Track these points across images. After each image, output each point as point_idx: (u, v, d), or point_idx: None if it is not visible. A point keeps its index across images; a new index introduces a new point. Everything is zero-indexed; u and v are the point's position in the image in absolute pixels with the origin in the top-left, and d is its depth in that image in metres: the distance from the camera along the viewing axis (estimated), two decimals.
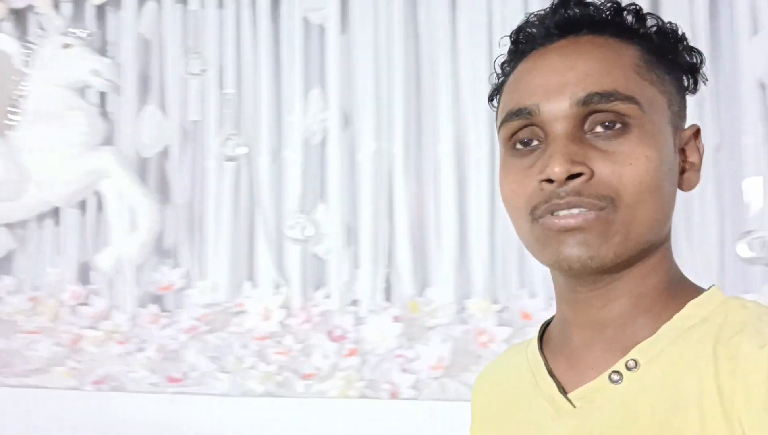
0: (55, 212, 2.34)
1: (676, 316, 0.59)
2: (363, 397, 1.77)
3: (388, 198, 2.04)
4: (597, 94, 0.58)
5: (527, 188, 0.60)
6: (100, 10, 2.34)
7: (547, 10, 0.64)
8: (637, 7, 0.63)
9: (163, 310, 2.17)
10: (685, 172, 0.63)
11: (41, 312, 2.23)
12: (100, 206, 2.28)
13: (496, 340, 1.79)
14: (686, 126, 0.64)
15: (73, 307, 2.22)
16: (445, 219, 1.97)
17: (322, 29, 2.16)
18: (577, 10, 0.62)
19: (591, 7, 0.63)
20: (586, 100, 0.58)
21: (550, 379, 0.65)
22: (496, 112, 0.68)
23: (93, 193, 2.27)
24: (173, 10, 2.28)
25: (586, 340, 0.63)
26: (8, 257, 2.37)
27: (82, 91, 2.30)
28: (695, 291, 0.62)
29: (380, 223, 2.03)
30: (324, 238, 2.07)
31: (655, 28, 0.63)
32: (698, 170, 0.64)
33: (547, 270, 0.66)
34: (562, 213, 0.58)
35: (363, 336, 1.88)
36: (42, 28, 2.34)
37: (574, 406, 0.62)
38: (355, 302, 2.00)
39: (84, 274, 2.29)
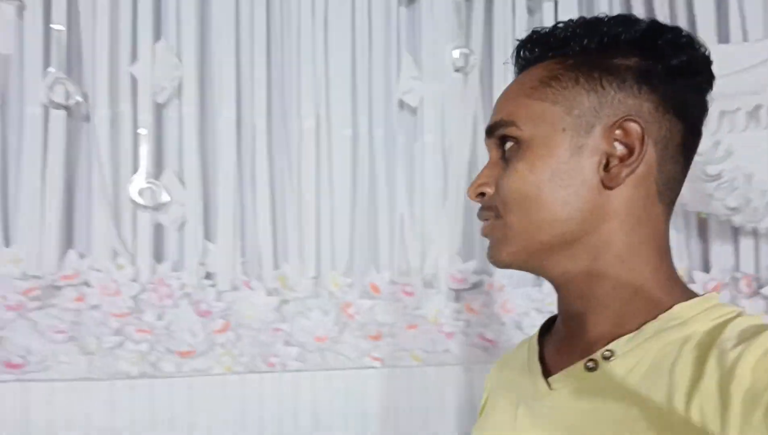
0: None
1: (662, 315, 0.64)
2: (251, 371, 1.75)
3: (250, 169, 1.99)
4: (490, 126, 0.72)
5: None
6: None
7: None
8: (560, 26, 0.70)
9: None
10: (609, 167, 0.66)
11: None
12: None
13: (361, 312, 1.93)
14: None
15: None
16: (306, 194, 2.00)
17: None
18: (524, 47, 0.74)
19: (529, 43, 0.73)
20: (487, 133, 0.73)
21: (538, 362, 0.74)
22: None
23: None
24: None
25: (571, 330, 0.71)
26: None
27: None
28: (689, 296, 0.66)
29: (237, 195, 1.97)
30: (172, 207, 1.93)
31: (579, 39, 0.68)
32: (630, 163, 0.65)
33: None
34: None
35: (235, 310, 1.83)
36: None
37: (552, 389, 0.69)
38: (209, 276, 1.93)
39: None
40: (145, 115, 1.90)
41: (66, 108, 1.84)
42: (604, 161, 0.66)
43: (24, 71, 1.84)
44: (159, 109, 1.94)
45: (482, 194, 0.72)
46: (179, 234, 1.94)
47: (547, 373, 0.72)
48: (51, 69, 1.83)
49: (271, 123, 1.99)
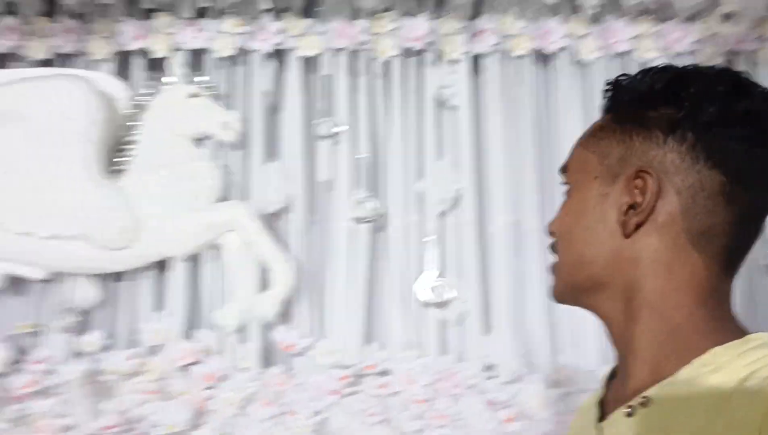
0: (159, 265, 2.22)
1: (696, 360, 0.62)
2: None
3: (520, 269, 2.17)
4: (560, 170, 0.79)
5: None
6: (221, 62, 2.31)
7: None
8: (613, 82, 0.74)
9: (288, 371, 2.12)
10: (626, 216, 0.68)
11: (146, 371, 2.11)
12: (214, 259, 2.21)
13: None
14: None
15: (184, 366, 2.11)
16: None
17: (454, 107, 2.29)
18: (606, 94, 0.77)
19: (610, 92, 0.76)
20: (561, 175, 0.79)
21: (595, 407, 0.74)
22: None
23: (210, 246, 2.19)
24: (301, 72, 2.30)
25: (621, 374, 0.72)
26: (95, 310, 2.21)
27: (199, 142, 2.24)
28: (728, 336, 0.64)
29: (511, 292, 2.15)
30: (454, 304, 2.15)
31: (625, 92, 0.72)
32: (639, 213, 0.67)
33: None
34: None
35: (520, 401, 1.97)
36: (156, 75, 2.28)
37: None
38: (490, 367, 2.09)
39: (190, 331, 2.19)
40: (431, 224, 2.19)
41: (368, 221, 2.18)
42: (623, 209, 0.68)
43: (336, 192, 2.24)
44: (442, 217, 2.22)
45: (552, 233, 0.77)
46: (460, 328, 2.15)
47: (603, 417, 0.72)
48: (357, 190, 2.20)
49: (542, 223, 2.18)
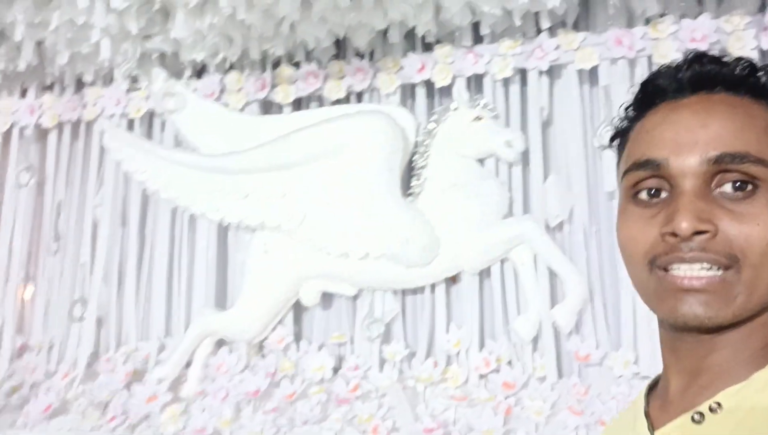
0: (450, 278, 2.39)
1: None
2: None
3: None
4: (729, 154, 0.60)
5: (648, 237, 0.62)
6: (498, 82, 2.43)
7: (681, 63, 0.66)
8: (746, 63, 0.64)
9: (583, 380, 2.16)
10: None
11: (449, 378, 2.26)
12: (502, 272, 2.32)
13: None
14: None
15: (483, 375, 2.24)
16: None
17: None
18: (711, 67, 0.64)
19: (725, 65, 0.64)
20: (718, 160, 0.60)
21: (643, 418, 0.68)
22: (618, 157, 0.71)
23: (500, 260, 2.31)
24: (577, 84, 2.34)
25: (682, 386, 0.65)
26: (395, 321, 2.42)
27: (481, 161, 2.38)
28: None
29: None
30: None
31: None
32: None
33: None
34: (683, 268, 0.59)
35: None
36: (437, 102, 2.46)
37: None
38: None
39: (484, 341, 2.32)
40: None
41: None
42: None
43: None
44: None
45: (701, 232, 0.59)
46: None
47: (652, 429, 0.67)
48: None
49: None
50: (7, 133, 2.94)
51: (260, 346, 2.48)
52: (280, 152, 2.40)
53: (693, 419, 0.61)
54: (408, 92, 2.54)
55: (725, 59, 0.65)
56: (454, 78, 2.43)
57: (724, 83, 0.64)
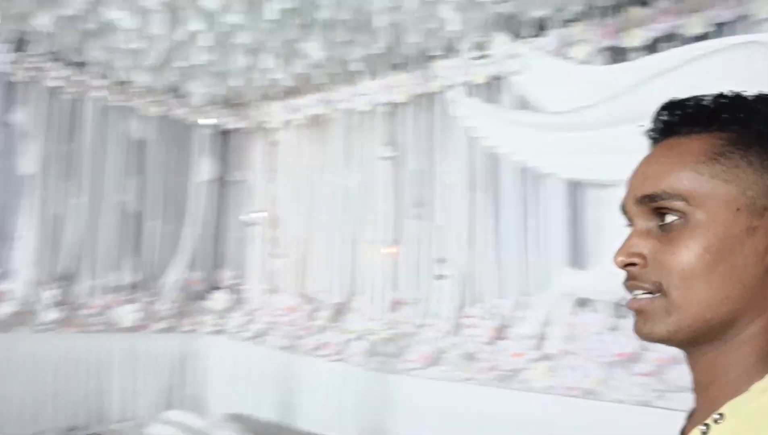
0: None
1: None
2: None
3: None
4: (647, 196, 0.68)
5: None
6: None
7: (654, 112, 0.71)
8: (727, 98, 0.67)
9: None
10: None
11: None
12: None
13: None
14: None
15: None
16: None
17: None
18: (668, 118, 0.70)
19: (678, 110, 0.69)
20: (641, 201, 0.69)
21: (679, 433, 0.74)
22: None
23: None
24: None
25: (700, 401, 0.70)
26: None
27: None
28: None
29: None
30: None
31: (752, 115, 0.65)
32: None
33: None
34: (631, 294, 0.70)
35: None
36: None
37: None
38: None
39: None
40: None
41: None
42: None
43: None
44: None
45: (632, 264, 0.68)
46: None
47: None
48: None
49: None
50: (369, 113, 3.31)
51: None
52: (637, 102, 2.25)
53: (701, 431, 0.65)
54: None
55: (699, 100, 0.68)
56: None
57: (677, 127, 0.69)
